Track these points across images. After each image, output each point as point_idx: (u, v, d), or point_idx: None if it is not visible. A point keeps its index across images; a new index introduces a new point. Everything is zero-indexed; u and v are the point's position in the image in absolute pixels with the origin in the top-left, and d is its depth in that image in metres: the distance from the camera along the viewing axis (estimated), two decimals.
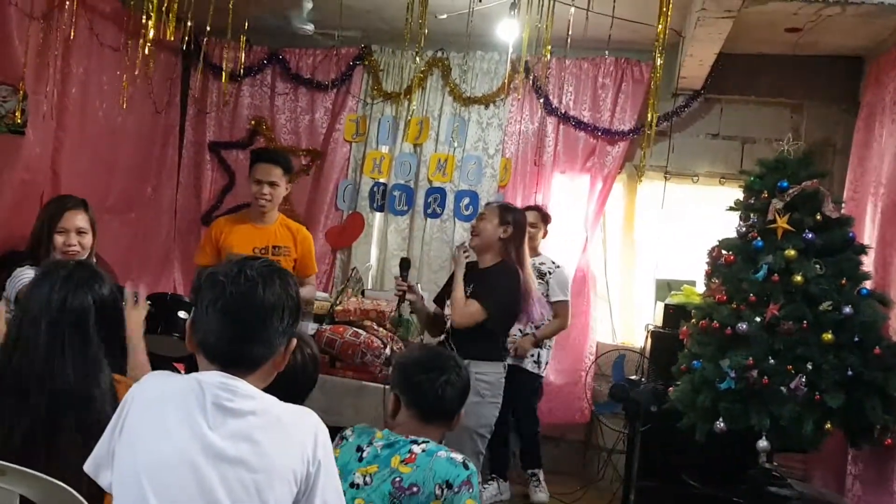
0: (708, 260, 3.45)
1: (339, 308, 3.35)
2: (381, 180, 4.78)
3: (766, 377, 2.91)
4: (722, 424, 3.00)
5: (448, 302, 3.09)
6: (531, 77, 4.47)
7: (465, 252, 3.07)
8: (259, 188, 3.23)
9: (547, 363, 4.14)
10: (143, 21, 3.12)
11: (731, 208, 3.37)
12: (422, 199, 4.67)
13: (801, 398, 2.88)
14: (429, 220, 4.66)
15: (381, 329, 3.32)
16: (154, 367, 1.45)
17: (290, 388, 1.51)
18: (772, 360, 2.93)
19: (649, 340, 3.96)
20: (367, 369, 3.10)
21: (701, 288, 3.65)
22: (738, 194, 3.38)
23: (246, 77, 4.93)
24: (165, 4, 3.11)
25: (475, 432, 2.84)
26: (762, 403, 2.94)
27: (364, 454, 1.78)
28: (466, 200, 4.60)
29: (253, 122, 4.96)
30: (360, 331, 3.19)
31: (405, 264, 3.25)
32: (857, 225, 3.25)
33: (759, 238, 3.12)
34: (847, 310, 2.92)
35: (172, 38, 3.57)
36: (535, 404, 4.08)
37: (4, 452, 1.51)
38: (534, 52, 3.28)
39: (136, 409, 1.31)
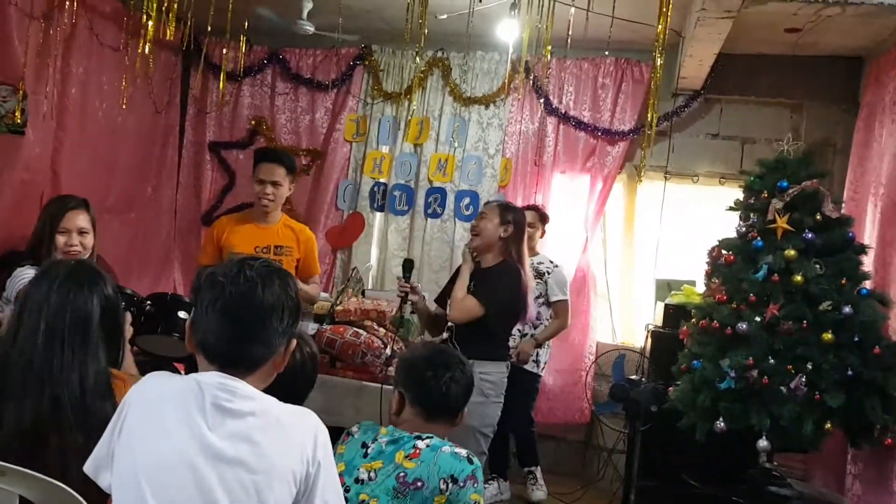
0: (708, 260, 3.45)
1: (339, 308, 3.35)
2: (382, 180, 4.78)
3: (766, 377, 2.91)
4: (722, 424, 3.00)
5: (449, 301, 3.10)
6: (531, 77, 4.47)
7: (474, 253, 3.08)
8: (262, 188, 3.23)
9: (546, 363, 4.14)
10: (143, 21, 3.12)
11: (730, 208, 3.37)
12: (422, 199, 4.67)
13: (801, 398, 2.88)
14: (429, 220, 4.67)
15: (381, 329, 3.32)
16: (154, 368, 1.44)
17: (289, 387, 1.51)
18: (772, 360, 2.93)
19: (649, 340, 3.96)
20: (367, 369, 3.09)
21: (701, 288, 3.64)
22: (738, 194, 3.38)
23: (246, 77, 4.93)
24: (165, 4, 3.12)
25: (479, 432, 2.84)
26: (762, 403, 2.94)
27: (369, 450, 1.79)
28: (467, 200, 4.60)
29: (253, 122, 4.96)
30: (361, 331, 3.18)
31: (408, 265, 3.25)
32: (857, 225, 3.25)
33: (759, 238, 3.12)
34: (847, 310, 2.92)
35: (172, 38, 3.57)
36: (532, 403, 4.08)
37: (4, 452, 1.51)
38: (534, 53, 3.28)
39: (136, 409, 1.31)
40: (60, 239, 2.64)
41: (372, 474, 1.74)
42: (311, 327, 3.30)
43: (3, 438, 1.56)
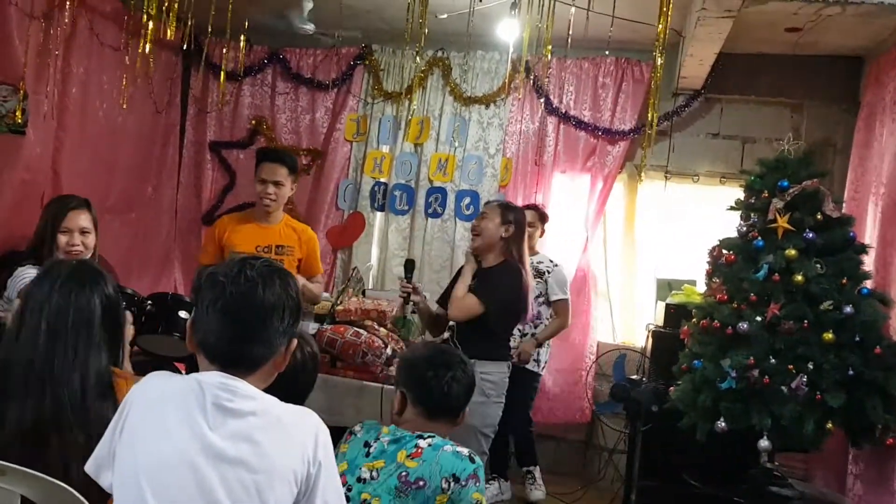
0: (708, 259, 3.45)
1: (339, 308, 3.35)
2: (382, 180, 4.78)
3: (766, 377, 2.91)
4: (723, 424, 3.00)
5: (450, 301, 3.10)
6: (532, 77, 4.47)
7: (475, 254, 3.09)
8: (264, 188, 3.22)
9: (546, 362, 4.14)
10: (144, 21, 3.12)
11: (731, 208, 3.37)
12: (422, 198, 4.67)
13: (802, 398, 2.88)
14: (430, 219, 4.67)
15: (381, 329, 3.32)
16: (155, 368, 1.44)
17: (290, 386, 1.51)
18: (773, 360, 2.93)
19: (650, 340, 3.95)
20: (368, 369, 3.09)
21: (702, 287, 3.64)
22: (739, 194, 3.38)
23: (246, 77, 4.93)
24: (166, 4, 3.12)
25: (480, 432, 2.84)
26: (763, 403, 2.94)
27: (371, 449, 1.79)
28: (467, 200, 4.60)
29: (253, 122, 4.96)
30: (361, 330, 3.18)
31: (410, 266, 3.25)
32: (857, 224, 3.25)
33: (759, 237, 3.12)
34: (848, 309, 2.92)
35: (172, 38, 3.57)
36: (531, 403, 4.08)
37: (6, 451, 1.52)
38: (534, 52, 3.28)
39: (137, 409, 1.31)
40: (62, 238, 2.64)
41: (374, 473, 1.74)
42: (311, 327, 3.30)
43: (5, 438, 1.56)
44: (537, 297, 3.92)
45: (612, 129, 4.42)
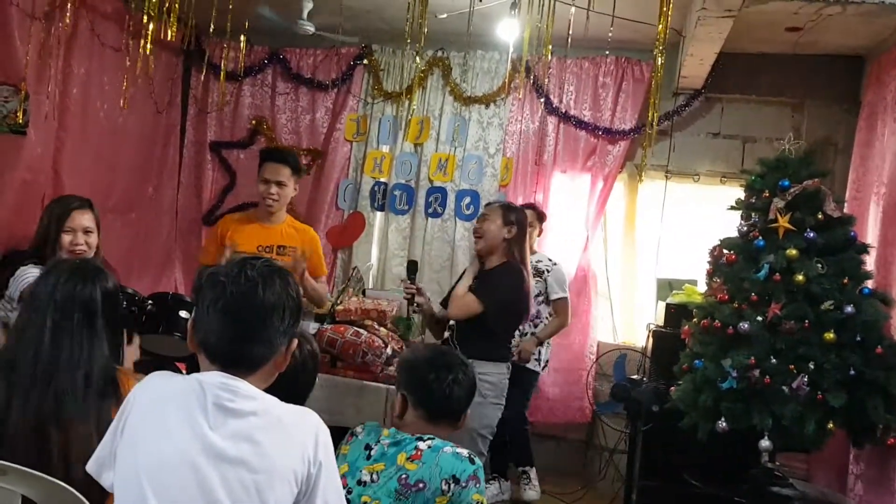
0: (709, 259, 3.44)
1: (339, 307, 3.35)
2: (382, 180, 4.78)
3: (767, 377, 2.91)
4: (724, 424, 3.00)
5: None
6: (532, 76, 4.47)
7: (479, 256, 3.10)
8: (267, 188, 3.22)
9: (547, 361, 4.14)
10: (145, 21, 3.13)
11: (732, 207, 3.36)
12: (423, 198, 4.67)
13: (803, 398, 2.88)
14: (430, 219, 4.67)
15: (381, 329, 3.32)
16: (156, 367, 1.45)
17: (290, 386, 1.51)
18: (773, 360, 2.93)
19: (651, 340, 3.95)
20: (368, 369, 3.09)
21: (702, 287, 3.64)
22: (740, 193, 3.37)
23: (247, 77, 4.93)
24: (166, 5, 3.12)
25: (477, 433, 2.84)
26: (764, 403, 2.94)
27: (372, 452, 1.79)
28: (467, 200, 4.60)
29: (254, 122, 4.97)
30: (362, 330, 3.18)
31: (412, 267, 3.25)
32: (858, 224, 3.25)
33: (760, 237, 3.12)
34: (849, 309, 2.92)
35: (173, 39, 3.57)
36: (527, 402, 4.07)
37: (10, 446, 1.52)
38: (534, 52, 3.27)
39: (138, 409, 1.31)
40: (66, 238, 2.66)
41: (374, 476, 1.74)
42: (311, 326, 3.30)
43: (8, 431, 1.56)
44: (537, 296, 3.91)
45: (612, 129, 4.41)
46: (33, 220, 2.87)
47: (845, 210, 3.31)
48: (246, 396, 1.29)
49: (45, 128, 3.73)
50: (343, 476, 1.71)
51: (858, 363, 2.89)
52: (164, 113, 4.78)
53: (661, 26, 2.78)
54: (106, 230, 2.97)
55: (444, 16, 3.89)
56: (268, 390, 1.35)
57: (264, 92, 4.98)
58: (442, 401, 1.85)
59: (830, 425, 2.89)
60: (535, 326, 3.99)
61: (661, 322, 3.94)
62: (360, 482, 1.74)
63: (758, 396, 2.95)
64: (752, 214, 3.21)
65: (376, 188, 4.77)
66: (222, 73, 4.46)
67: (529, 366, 3.96)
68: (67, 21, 3.73)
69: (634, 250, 4.56)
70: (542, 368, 4.10)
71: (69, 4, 3.62)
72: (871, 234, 3.48)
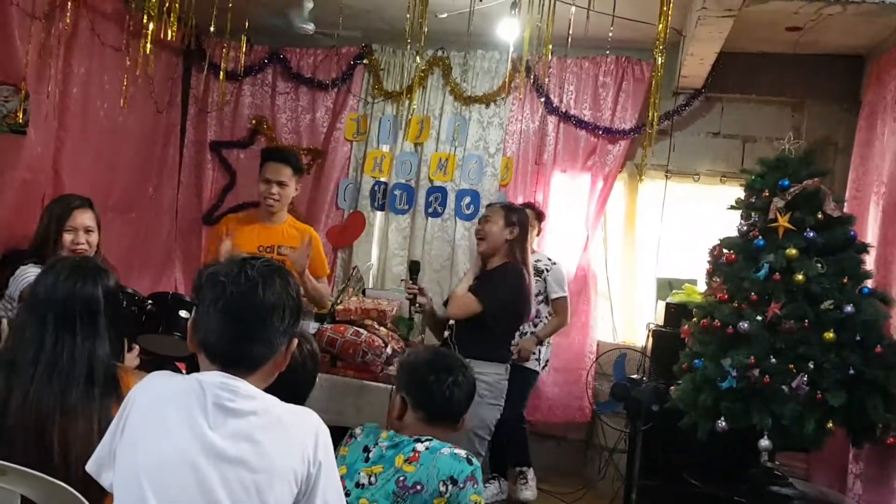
0: (709, 259, 3.45)
1: (339, 307, 3.35)
2: (382, 179, 4.78)
3: (767, 376, 2.91)
4: (723, 423, 3.00)
5: None
6: (532, 76, 4.47)
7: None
8: (268, 187, 3.21)
9: (547, 360, 4.14)
10: (145, 21, 3.13)
11: (732, 207, 3.37)
12: (423, 198, 4.67)
13: (803, 397, 2.88)
14: (430, 219, 4.67)
15: (381, 328, 3.32)
16: (156, 367, 1.45)
17: (290, 386, 1.51)
18: (773, 359, 2.93)
19: (650, 339, 3.95)
20: (368, 368, 3.09)
21: (702, 287, 3.64)
22: (739, 193, 3.37)
23: (247, 76, 4.93)
24: (167, 4, 3.12)
25: (473, 433, 2.84)
26: (764, 402, 2.94)
27: (370, 454, 1.78)
28: (467, 199, 4.60)
29: (254, 122, 4.96)
30: (361, 330, 3.18)
31: (415, 267, 3.26)
32: (858, 224, 3.25)
33: (760, 237, 3.12)
34: (848, 308, 2.92)
35: (173, 38, 3.57)
36: (524, 401, 4.06)
37: (10, 441, 1.53)
38: (534, 51, 3.27)
39: (138, 409, 1.31)
40: (67, 237, 2.67)
41: (372, 479, 1.73)
42: (311, 326, 3.30)
43: (7, 427, 1.57)
44: (536, 295, 3.90)
45: (612, 129, 4.41)
46: (33, 220, 2.88)
47: (845, 209, 3.31)
48: (246, 396, 1.29)
49: (45, 127, 3.73)
50: (341, 478, 1.71)
51: (858, 363, 2.89)
52: (164, 112, 4.78)
53: (661, 26, 2.78)
54: (106, 230, 2.97)
55: (445, 15, 3.89)
56: (268, 390, 1.35)
57: (264, 91, 4.98)
58: (442, 403, 1.85)
59: (830, 425, 2.90)
60: (535, 326, 4.00)
61: (660, 321, 3.95)
62: (358, 484, 1.73)
63: (757, 396, 2.95)
64: (752, 214, 3.21)
65: (376, 188, 4.77)
66: (222, 73, 4.46)
67: (529, 365, 3.96)
68: (67, 21, 3.73)
69: (634, 250, 4.56)
70: (543, 368, 4.10)
71: (69, 4, 3.62)
72: (870, 233, 3.48)
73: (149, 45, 3.17)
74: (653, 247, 4.46)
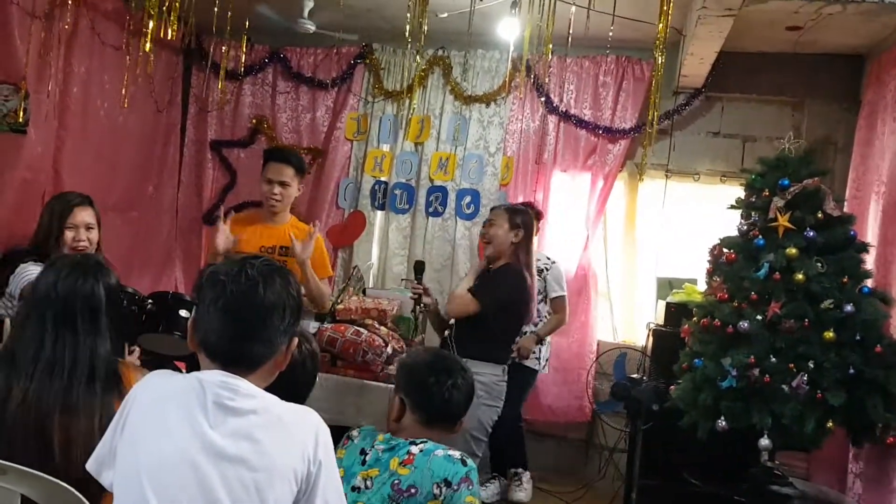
0: (709, 258, 3.45)
1: (340, 307, 3.35)
2: (383, 179, 4.78)
3: (767, 375, 2.91)
4: (723, 423, 3.00)
5: None
6: (532, 75, 4.47)
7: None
8: (270, 188, 3.21)
9: (547, 359, 4.14)
10: (145, 20, 3.13)
11: (732, 206, 3.37)
12: (423, 197, 4.67)
13: (803, 396, 2.88)
14: (430, 218, 4.67)
15: (382, 328, 3.32)
16: (156, 366, 1.45)
17: (290, 385, 1.51)
18: (773, 359, 2.93)
19: (651, 339, 3.95)
20: (368, 368, 3.09)
21: (702, 286, 3.64)
22: (740, 192, 3.38)
23: (247, 76, 4.93)
24: (167, 4, 3.12)
25: (469, 434, 2.83)
26: (764, 402, 2.94)
27: (367, 457, 1.77)
28: (468, 199, 4.60)
29: (254, 121, 4.96)
30: (362, 329, 3.17)
31: (419, 267, 3.26)
32: (858, 223, 3.25)
33: (760, 236, 3.12)
34: (848, 308, 2.92)
35: (174, 38, 3.57)
36: (523, 400, 4.06)
37: (10, 437, 1.53)
38: (535, 51, 3.27)
39: (138, 408, 1.31)
40: (68, 235, 2.68)
41: (368, 482, 1.72)
42: (311, 326, 3.29)
43: (7, 423, 1.57)
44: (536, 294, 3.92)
45: (612, 128, 4.41)
46: (33, 219, 2.88)
47: (845, 209, 3.31)
48: (246, 395, 1.29)
49: (45, 127, 3.73)
50: None
51: (858, 362, 2.89)
52: (164, 112, 4.78)
53: (661, 25, 2.78)
54: (106, 229, 2.98)
55: (445, 15, 3.89)
56: (268, 389, 1.35)
57: (265, 91, 4.98)
58: (441, 405, 1.84)
59: (830, 424, 2.90)
60: (535, 325, 4.00)
61: (661, 321, 3.95)
62: (354, 488, 1.72)
63: (757, 395, 2.95)
64: (752, 213, 3.22)
65: (377, 187, 4.77)
66: (222, 72, 4.46)
67: (529, 364, 3.96)
68: (68, 20, 3.73)
69: (634, 249, 4.56)
70: (543, 367, 4.09)
71: (69, 3, 3.62)
72: (870, 232, 3.48)
73: (149, 45, 3.18)
74: (653, 246, 4.47)
